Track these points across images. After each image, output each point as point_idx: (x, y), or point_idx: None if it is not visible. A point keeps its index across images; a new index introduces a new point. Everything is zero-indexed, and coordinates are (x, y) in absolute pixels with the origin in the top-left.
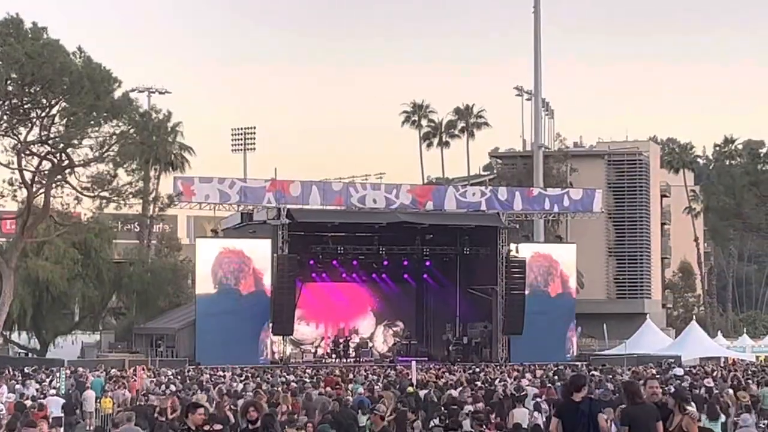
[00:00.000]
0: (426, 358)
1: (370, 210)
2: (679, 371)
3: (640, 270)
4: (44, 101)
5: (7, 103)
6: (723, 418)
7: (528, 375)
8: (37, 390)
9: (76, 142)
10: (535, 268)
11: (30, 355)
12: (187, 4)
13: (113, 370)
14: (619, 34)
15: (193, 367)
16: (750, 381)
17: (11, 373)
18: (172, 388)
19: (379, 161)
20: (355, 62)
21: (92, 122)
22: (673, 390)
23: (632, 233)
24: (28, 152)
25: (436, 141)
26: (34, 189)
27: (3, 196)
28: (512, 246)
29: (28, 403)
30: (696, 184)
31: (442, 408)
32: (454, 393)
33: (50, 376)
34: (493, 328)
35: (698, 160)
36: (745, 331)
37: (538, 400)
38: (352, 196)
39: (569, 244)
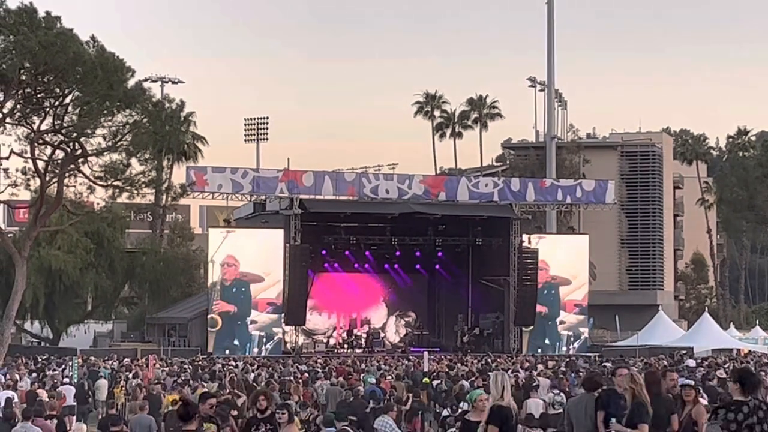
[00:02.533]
0: (438, 349)
1: (383, 200)
2: (691, 363)
3: (653, 261)
4: (57, 90)
5: (20, 92)
6: None
7: (540, 366)
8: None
9: (89, 131)
10: None
11: (43, 344)
12: None
13: (125, 359)
14: (632, 25)
15: (204, 357)
16: (762, 372)
17: (24, 362)
18: (183, 377)
19: (392, 151)
20: (368, 53)
21: (105, 111)
22: (692, 382)
23: (645, 225)
24: (41, 141)
25: (449, 132)
26: (47, 178)
27: (16, 186)
28: (524, 237)
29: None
30: (709, 176)
31: (454, 398)
32: (466, 383)
33: (63, 365)
34: (505, 319)
35: (711, 151)
36: (757, 322)
37: (554, 392)
38: (364, 186)
39: (582, 235)
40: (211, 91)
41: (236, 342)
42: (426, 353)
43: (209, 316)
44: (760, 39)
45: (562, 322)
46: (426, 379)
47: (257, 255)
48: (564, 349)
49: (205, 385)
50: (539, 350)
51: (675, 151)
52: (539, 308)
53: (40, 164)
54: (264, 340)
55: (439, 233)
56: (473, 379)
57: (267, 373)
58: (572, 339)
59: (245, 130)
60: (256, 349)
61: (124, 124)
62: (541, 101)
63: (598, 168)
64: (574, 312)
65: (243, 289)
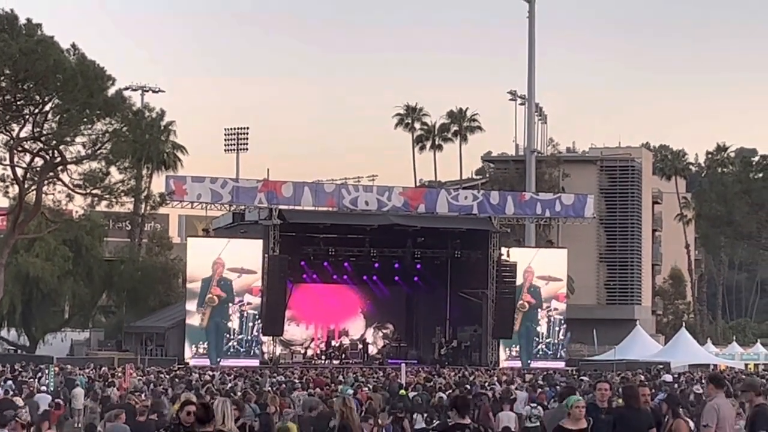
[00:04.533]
0: (416, 361)
1: (362, 212)
2: (668, 378)
3: (631, 276)
4: (37, 98)
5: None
6: None
7: (517, 379)
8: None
9: (68, 139)
10: None
11: (19, 351)
12: (181, 3)
13: (102, 368)
14: (613, 40)
15: (181, 366)
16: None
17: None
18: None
19: (372, 163)
20: (348, 64)
21: (85, 119)
22: (666, 396)
23: (623, 239)
24: (20, 149)
25: (429, 144)
26: (26, 186)
27: None
28: (503, 250)
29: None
30: (688, 191)
31: (434, 410)
32: (443, 396)
33: (39, 373)
34: (483, 332)
35: (690, 167)
36: (734, 338)
37: (532, 405)
38: (344, 197)
39: (560, 249)
40: (191, 101)
41: (222, 319)
42: (404, 365)
43: (207, 296)
44: (741, 56)
45: (555, 309)
46: (402, 391)
47: (244, 259)
48: (556, 329)
49: (185, 394)
50: (525, 341)
51: (654, 167)
52: (528, 299)
53: (19, 171)
54: (256, 316)
55: (418, 245)
56: (450, 391)
57: (244, 383)
58: (562, 322)
59: (225, 139)
60: (251, 324)
61: (103, 132)
62: (522, 115)
63: (578, 182)
64: (563, 301)
65: (233, 280)
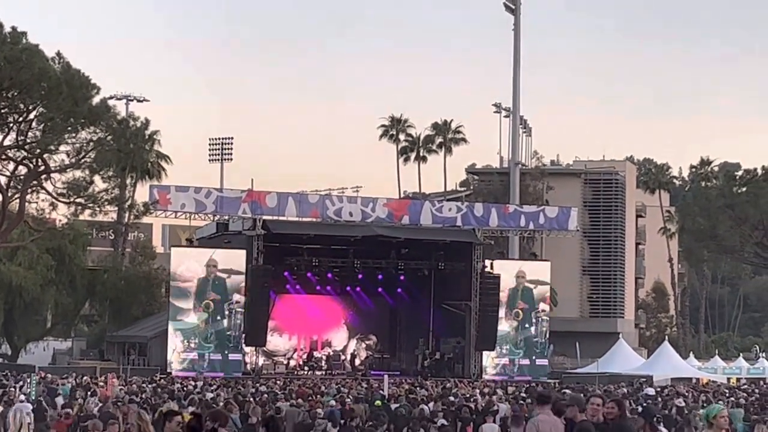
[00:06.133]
0: (398, 372)
1: (346, 223)
2: (651, 391)
3: (614, 289)
4: (22, 106)
5: None
6: None
7: (499, 391)
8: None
9: (52, 147)
10: None
11: (1, 360)
12: (166, 12)
13: (84, 377)
14: (597, 54)
15: (164, 376)
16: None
17: None
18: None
19: (356, 174)
20: (333, 75)
21: (69, 128)
22: (641, 409)
23: (607, 252)
24: (4, 157)
25: (413, 155)
26: (10, 194)
27: None
28: (487, 262)
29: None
30: (671, 205)
31: (411, 423)
32: (426, 407)
33: (21, 382)
34: (466, 344)
35: (674, 181)
36: (716, 352)
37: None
38: (328, 208)
39: (544, 262)
40: (176, 111)
41: (218, 317)
42: (386, 377)
43: (204, 302)
44: (725, 69)
45: (542, 310)
46: (378, 402)
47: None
48: (543, 330)
49: (169, 404)
50: (522, 342)
51: (638, 180)
52: (522, 306)
53: (3, 180)
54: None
55: (402, 257)
56: (433, 403)
57: (226, 393)
58: (548, 324)
59: (210, 149)
60: (239, 322)
61: (88, 141)
62: (506, 127)
63: (562, 195)
64: (548, 304)
65: (225, 279)
